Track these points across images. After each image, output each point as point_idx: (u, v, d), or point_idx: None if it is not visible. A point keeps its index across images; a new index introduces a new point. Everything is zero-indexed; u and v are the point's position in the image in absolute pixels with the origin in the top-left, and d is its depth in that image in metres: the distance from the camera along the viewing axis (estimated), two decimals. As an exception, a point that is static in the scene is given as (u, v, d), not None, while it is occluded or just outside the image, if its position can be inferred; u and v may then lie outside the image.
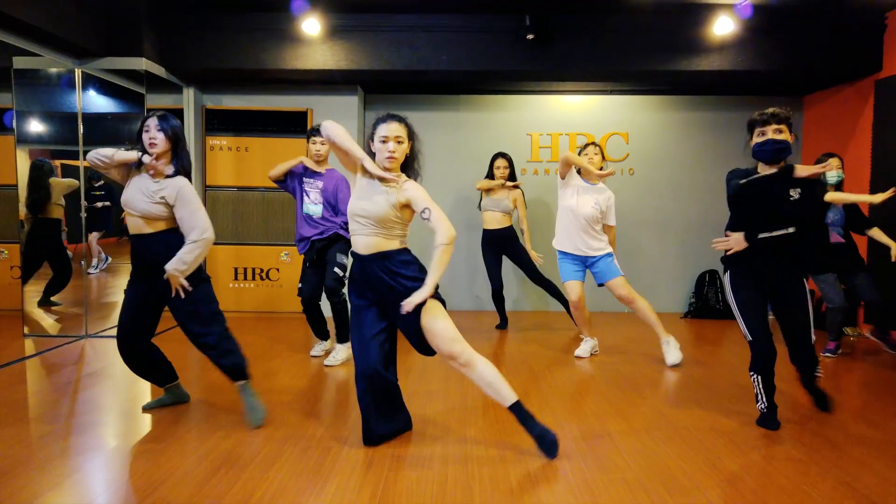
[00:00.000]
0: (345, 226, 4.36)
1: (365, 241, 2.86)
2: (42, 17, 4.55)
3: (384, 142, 2.84)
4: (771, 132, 3.12)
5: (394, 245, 2.86)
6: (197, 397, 3.69)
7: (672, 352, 4.55)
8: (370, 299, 2.92)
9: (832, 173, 4.72)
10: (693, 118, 6.78)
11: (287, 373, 4.26)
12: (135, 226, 3.17)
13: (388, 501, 2.40)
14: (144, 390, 3.84)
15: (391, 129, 2.85)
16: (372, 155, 2.89)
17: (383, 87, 6.67)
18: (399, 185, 2.82)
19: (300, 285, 4.52)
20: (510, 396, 2.81)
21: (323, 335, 4.69)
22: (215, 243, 5.05)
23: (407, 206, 2.84)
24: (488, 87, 6.76)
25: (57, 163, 5.75)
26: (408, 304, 2.72)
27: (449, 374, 4.16)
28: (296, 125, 6.43)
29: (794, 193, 3.12)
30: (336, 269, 4.41)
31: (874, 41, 5.61)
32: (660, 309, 6.22)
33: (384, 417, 2.96)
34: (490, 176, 5.76)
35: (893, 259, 4.61)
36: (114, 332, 4.55)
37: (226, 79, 6.21)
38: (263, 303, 6.50)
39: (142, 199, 3.12)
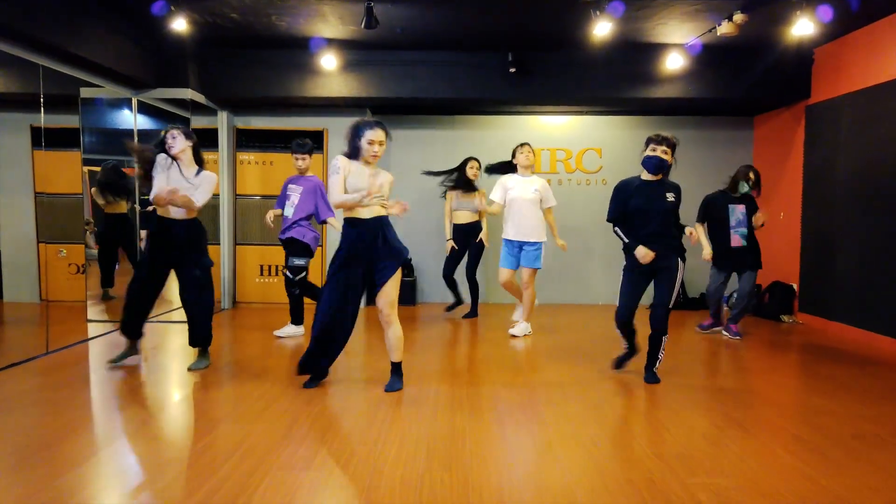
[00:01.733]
0: (310, 227, 5.56)
1: (369, 210, 3.81)
2: (105, 55, 5.54)
3: (371, 143, 3.80)
4: (660, 151, 4.16)
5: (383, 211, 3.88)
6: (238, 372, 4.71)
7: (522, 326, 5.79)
8: (359, 264, 3.85)
9: (743, 183, 5.75)
10: (658, 135, 7.80)
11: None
12: (177, 212, 4.32)
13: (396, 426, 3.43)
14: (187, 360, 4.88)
15: (378, 135, 3.79)
16: (355, 150, 3.83)
17: (389, 109, 7.69)
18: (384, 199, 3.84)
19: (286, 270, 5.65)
20: (397, 357, 4.00)
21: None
22: (244, 244, 6.14)
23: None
24: (479, 110, 7.80)
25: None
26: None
27: (441, 350, 5.18)
28: (314, 142, 7.43)
29: (670, 196, 4.23)
30: (292, 267, 5.54)
31: (804, 72, 6.62)
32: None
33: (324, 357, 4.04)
34: (462, 175, 6.66)
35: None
36: (162, 317, 5.68)
37: (254, 104, 7.25)
38: (284, 295, 7.51)
39: (188, 186, 4.27)
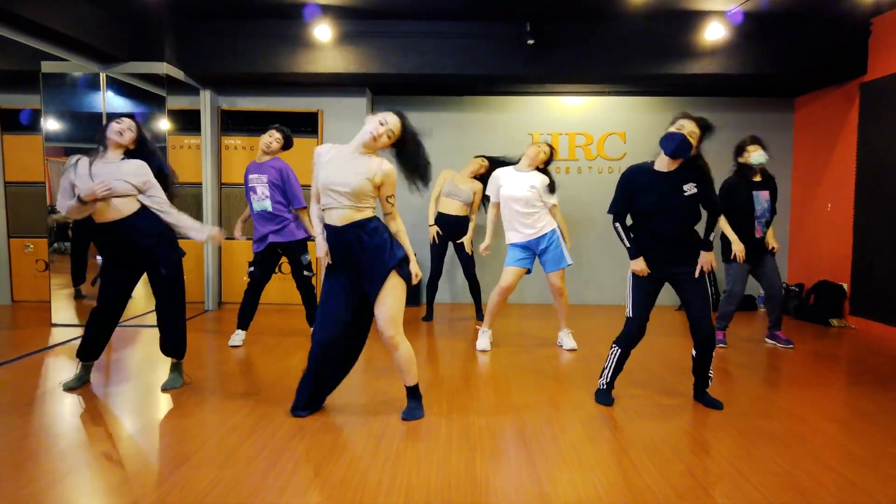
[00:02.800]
0: (296, 220, 4.84)
1: (339, 213, 3.07)
2: (69, 25, 4.84)
3: (382, 124, 3.05)
4: (687, 130, 3.29)
5: (365, 215, 3.11)
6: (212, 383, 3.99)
7: (567, 340, 4.95)
8: (342, 272, 3.17)
9: (757, 154, 4.82)
10: (688, 119, 7.04)
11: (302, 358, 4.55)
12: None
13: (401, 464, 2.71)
14: (163, 373, 4.16)
15: (390, 121, 3.07)
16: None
17: (391, 89, 6.96)
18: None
19: (252, 269, 4.85)
20: (411, 381, 3.30)
21: (246, 325, 4.99)
22: (232, 238, 5.42)
23: (379, 187, 3.09)
24: (491, 89, 7.04)
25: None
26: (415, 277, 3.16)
27: (452, 363, 4.46)
28: (307, 125, 6.73)
29: (689, 188, 3.39)
30: (305, 273, 4.91)
31: (859, 46, 5.87)
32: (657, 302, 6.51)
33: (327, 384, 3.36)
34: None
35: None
36: (133, 321, 4.93)
37: (241, 81, 6.51)
38: (278, 295, 6.79)
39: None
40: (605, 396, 3.61)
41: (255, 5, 5.57)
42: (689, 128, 3.30)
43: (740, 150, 4.96)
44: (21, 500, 2.38)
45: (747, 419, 3.36)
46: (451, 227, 5.89)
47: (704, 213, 3.57)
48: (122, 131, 3.55)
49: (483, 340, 4.92)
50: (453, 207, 5.88)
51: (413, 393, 3.34)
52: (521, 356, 4.72)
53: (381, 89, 6.97)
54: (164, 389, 3.75)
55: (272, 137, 4.86)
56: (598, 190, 6.92)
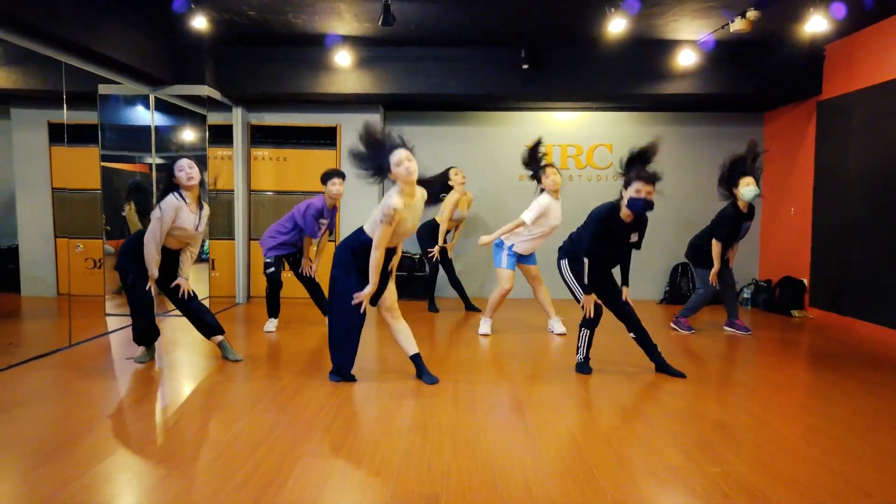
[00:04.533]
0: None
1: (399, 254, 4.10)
2: (123, 52, 5.60)
3: (399, 164, 3.74)
4: (645, 192, 3.95)
5: None
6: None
7: (557, 326, 5.74)
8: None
9: (748, 189, 5.36)
10: (669, 131, 7.82)
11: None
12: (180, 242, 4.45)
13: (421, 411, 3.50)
14: (208, 353, 4.96)
15: (405, 154, 3.79)
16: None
17: (401, 106, 7.75)
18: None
19: (274, 269, 5.66)
20: (413, 348, 4.11)
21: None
22: (258, 239, 6.21)
23: None
24: (491, 106, 7.85)
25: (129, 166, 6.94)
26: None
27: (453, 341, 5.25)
28: (326, 139, 7.54)
29: (634, 237, 4.24)
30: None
31: (815, 68, 6.65)
32: (640, 297, 7.33)
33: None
34: (447, 184, 6.65)
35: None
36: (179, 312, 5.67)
37: (269, 100, 7.32)
38: (301, 290, 7.58)
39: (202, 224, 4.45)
40: (584, 367, 4.41)
41: (283, 34, 6.37)
42: (646, 189, 3.95)
43: (734, 180, 5.39)
44: (128, 435, 3.17)
45: (713, 391, 4.15)
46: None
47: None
48: (190, 177, 4.30)
49: (485, 326, 5.71)
50: (450, 224, 6.74)
51: (421, 361, 4.14)
52: (517, 337, 5.52)
53: (392, 106, 7.77)
54: (234, 360, 4.62)
55: (337, 186, 5.51)
56: (587, 196, 7.68)
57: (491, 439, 3.12)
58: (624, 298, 4.33)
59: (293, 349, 5.08)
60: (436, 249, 6.63)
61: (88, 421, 3.31)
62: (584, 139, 7.93)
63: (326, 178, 5.50)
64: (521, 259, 5.63)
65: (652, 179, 3.98)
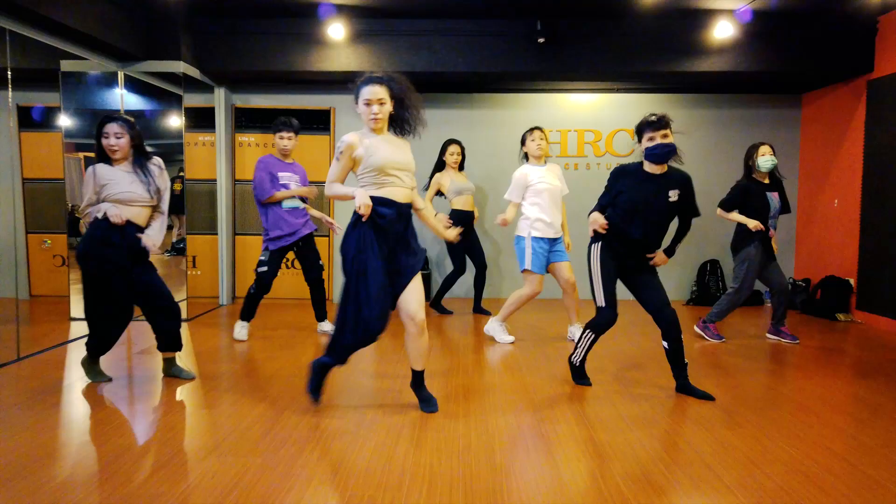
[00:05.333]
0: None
1: (403, 192, 3.18)
2: (89, 24, 4.92)
3: (368, 105, 3.10)
4: (659, 137, 3.46)
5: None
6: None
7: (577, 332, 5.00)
8: (382, 250, 3.14)
9: (765, 158, 4.94)
10: (697, 115, 7.11)
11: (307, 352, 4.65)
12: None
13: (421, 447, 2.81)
14: (190, 365, 4.26)
15: (374, 91, 3.07)
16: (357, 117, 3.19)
17: (401, 86, 7.03)
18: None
19: (266, 268, 4.88)
20: (422, 365, 3.36)
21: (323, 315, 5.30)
22: (245, 234, 5.52)
23: None
24: (501, 87, 7.12)
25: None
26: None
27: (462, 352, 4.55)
28: (320, 123, 6.83)
29: (673, 195, 3.59)
30: (321, 263, 5.13)
31: (866, 43, 5.93)
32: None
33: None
34: (441, 163, 6.03)
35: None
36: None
37: (254, 79, 6.60)
38: (290, 290, 6.89)
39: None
40: (581, 376, 3.90)
41: (269, 4, 5.65)
42: (659, 134, 3.46)
43: (751, 152, 5.06)
44: (49, 492, 2.48)
45: (757, 410, 3.45)
46: (466, 221, 5.99)
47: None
48: (113, 148, 3.58)
49: (499, 331, 5.05)
50: (467, 203, 6.02)
51: (423, 379, 3.41)
52: (536, 349, 4.82)
53: (392, 87, 7.04)
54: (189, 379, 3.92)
55: (291, 141, 4.93)
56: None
57: (515, 497, 2.43)
58: (652, 261, 3.70)
59: (271, 366, 4.36)
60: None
61: (14, 464, 2.62)
62: (604, 124, 7.20)
63: (274, 129, 4.94)
64: (553, 256, 4.92)
65: (660, 123, 3.47)
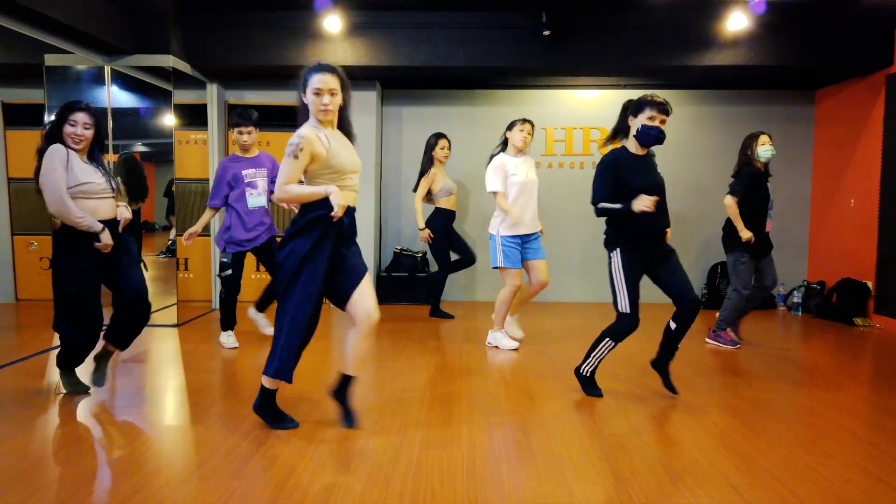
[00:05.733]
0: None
1: (355, 195, 2.98)
2: (74, 16, 4.68)
3: (317, 94, 2.83)
4: (659, 121, 3.41)
5: None
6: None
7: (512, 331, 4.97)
8: (326, 253, 2.92)
9: (765, 148, 4.77)
10: (706, 112, 6.88)
11: (312, 364, 4.41)
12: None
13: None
14: (176, 374, 4.02)
15: (325, 80, 2.83)
16: (305, 108, 2.90)
17: (401, 82, 6.80)
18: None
19: (230, 271, 4.61)
20: (357, 370, 3.08)
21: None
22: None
23: None
24: (504, 83, 6.88)
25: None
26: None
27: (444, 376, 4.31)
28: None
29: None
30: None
31: (885, 36, 5.69)
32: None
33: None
34: (430, 158, 5.81)
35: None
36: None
37: (248, 75, 6.36)
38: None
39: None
40: (593, 387, 3.66)
41: (263, -4, 5.42)
42: (660, 117, 3.44)
43: (749, 142, 4.87)
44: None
45: (776, 419, 3.21)
46: (453, 220, 5.95)
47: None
48: (78, 139, 3.34)
49: (507, 340, 4.82)
50: (451, 202, 5.90)
51: (350, 387, 3.13)
52: (538, 355, 4.58)
53: (391, 82, 6.82)
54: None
55: (251, 135, 4.64)
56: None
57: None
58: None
59: (254, 378, 4.11)
60: (423, 234, 5.79)
61: (-34, 494, 2.38)
62: (610, 121, 6.79)
63: (231, 124, 4.66)
64: (528, 253, 4.72)
65: (665, 106, 3.45)
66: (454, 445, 2.89)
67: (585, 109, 6.95)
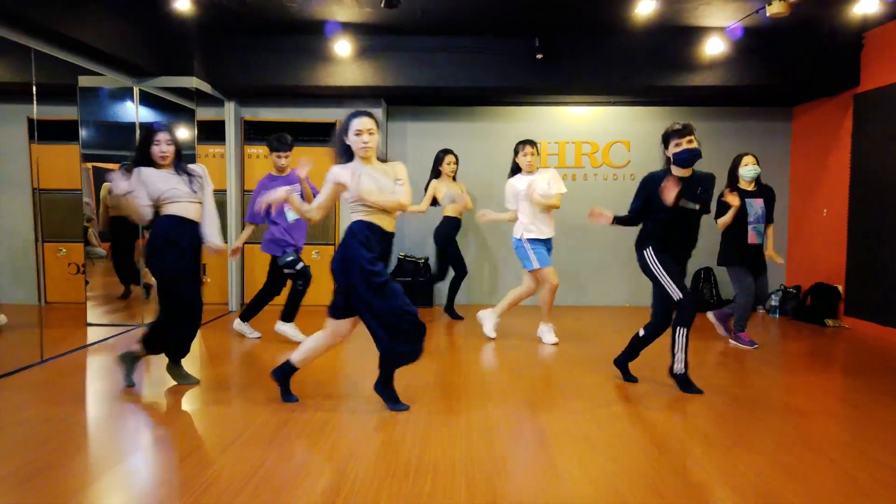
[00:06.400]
0: None
1: (390, 219, 3.47)
2: (106, 41, 5.16)
3: (358, 135, 3.36)
4: (685, 143, 3.78)
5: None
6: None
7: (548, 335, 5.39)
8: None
9: (747, 168, 5.15)
10: (690, 127, 7.35)
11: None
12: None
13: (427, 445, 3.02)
14: (207, 366, 4.47)
15: (364, 122, 3.36)
16: (347, 148, 3.43)
17: (405, 100, 7.29)
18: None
19: (302, 263, 5.23)
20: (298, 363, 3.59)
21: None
22: (254, 242, 5.72)
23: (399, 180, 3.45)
24: (501, 100, 7.37)
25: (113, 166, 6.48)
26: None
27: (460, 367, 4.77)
28: (326, 135, 7.04)
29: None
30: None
31: (852, 59, 6.17)
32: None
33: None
34: (437, 171, 6.27)
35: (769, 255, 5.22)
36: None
37: (263, 93, 6.85)
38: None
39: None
40: (689, 383, 3.91)
41: (278, 21, 5.90)
42: (685, 140, 3.79)
43: (735, 163, 5.27)
44: (85, 481, 2.70)
45: (745, 408, 3.66)
46: (457, 228, 6.38)
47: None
48: (164, 155, 3.84)
49: (548, 334, 5.36)
50: (456, 210, 6.30)
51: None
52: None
53: (395, 100, 7.30)
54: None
55: (288, 159, 5.19)
56: (603, 196, 7.22)
57: (513, 483, 2.65)
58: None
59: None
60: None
61: (45, 458, 2.83)
62: (600, 136, 7.44)
63: (272, 148, 5.20)
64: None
65: (685, 130, 3.80)
66: (455, 423, 3.34)
67: (577, 125, 7.44)
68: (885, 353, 5.13)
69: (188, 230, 3.85)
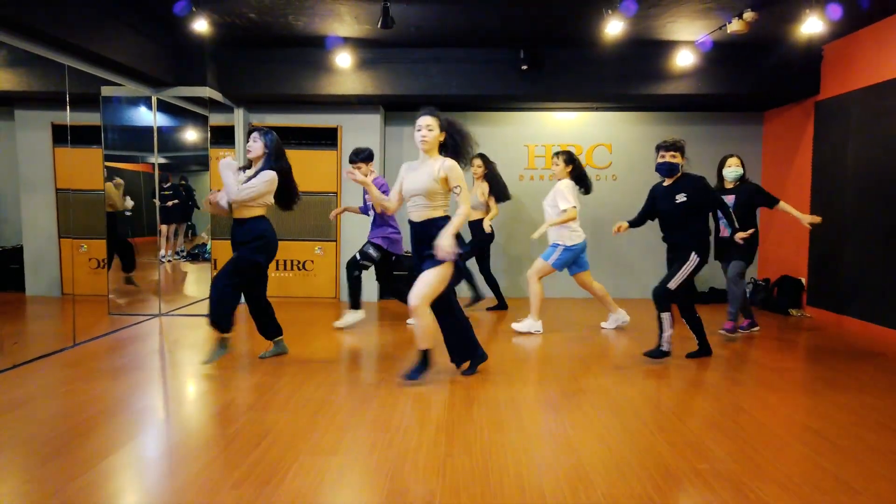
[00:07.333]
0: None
1: (416, 212, 4.02)
2: (126, 55, 5.65)
3: (418, 130, 3.96)
4: (668, 157, 4.64)
5: (438, 213, 4.00)
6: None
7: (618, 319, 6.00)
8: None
9: (730, 169, 5.63)
10: (667, 131, 7.76)
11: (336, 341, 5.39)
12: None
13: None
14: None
15: (422, 120, 3.97)
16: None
17: (401, 106, 7.80)
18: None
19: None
20: (423, 345, 4.04)
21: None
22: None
23: (444, 181, 3.93)
24: (491, 106, 7.89)
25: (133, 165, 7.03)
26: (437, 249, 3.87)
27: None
28: (327, 139, 7.60)
29: (679, 198, 4.65)
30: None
31: (813, 69, 6.68)
32: (644, 295, 7.32)
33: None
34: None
35: (808, 225, 5.59)
36: (183, 311, 5.78)
37: (270, 101, 7.38)
38: (301, 289, 7.65)
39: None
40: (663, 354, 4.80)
41: (283, 36, 6.42)
42: (668, 155, 4.65)
43: (720, 164, 5.76)
44: (129, 435, 3.24)
45: (709, 390, 4.19)
46: (475, 230, 6.79)
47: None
48: (248, 150, 4.56)
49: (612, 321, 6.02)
50: (475, 213, 6.74)
51: (422, 357, 4.12)
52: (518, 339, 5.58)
53: (392, 107, 7.82)
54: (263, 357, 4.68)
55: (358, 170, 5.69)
56: (588, 196, 7.73)
57: (487, 438, 3.18)
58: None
59: (300, 345, 5.12)
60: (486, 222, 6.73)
61: (91, 419, 3.37)
62: (584, 139, 7.96)
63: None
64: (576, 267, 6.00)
65: (667, 146, 4.64)
66: (440, 395, 3.88)
67: (562, 129, 7.96)
68: (840, 340, 5.65)
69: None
